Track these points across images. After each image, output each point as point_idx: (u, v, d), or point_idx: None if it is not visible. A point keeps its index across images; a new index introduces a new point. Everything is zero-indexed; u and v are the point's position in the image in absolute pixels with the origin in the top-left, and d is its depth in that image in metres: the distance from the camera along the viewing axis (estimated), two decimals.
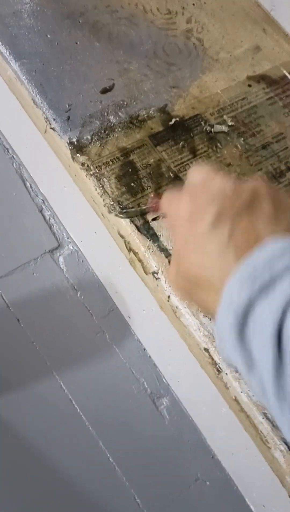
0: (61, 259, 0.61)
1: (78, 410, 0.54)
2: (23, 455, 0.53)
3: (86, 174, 0.44)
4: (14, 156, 0.64)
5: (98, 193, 0.43)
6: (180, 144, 0.46)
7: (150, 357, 0.58)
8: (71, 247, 0.62)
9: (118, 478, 0.53)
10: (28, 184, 0.63)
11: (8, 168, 0.64)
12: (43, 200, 0.63)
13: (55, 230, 0.62)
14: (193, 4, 0.54)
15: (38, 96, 0.45)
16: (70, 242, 0.62)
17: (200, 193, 0.29)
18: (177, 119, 0.47)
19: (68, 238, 0.62)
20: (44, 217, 0.63)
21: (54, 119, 0.45)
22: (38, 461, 0.53)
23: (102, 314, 0.60)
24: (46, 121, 0.45)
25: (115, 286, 0.57)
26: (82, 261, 0.62)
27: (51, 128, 0.45)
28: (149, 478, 0.54)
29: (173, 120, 0.47)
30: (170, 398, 0.57)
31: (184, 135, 0.47)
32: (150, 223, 0.42)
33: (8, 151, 0.64)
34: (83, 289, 0.60)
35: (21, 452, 0.53)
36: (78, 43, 0.49)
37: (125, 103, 0.47)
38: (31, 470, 0.52)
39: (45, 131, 0.46)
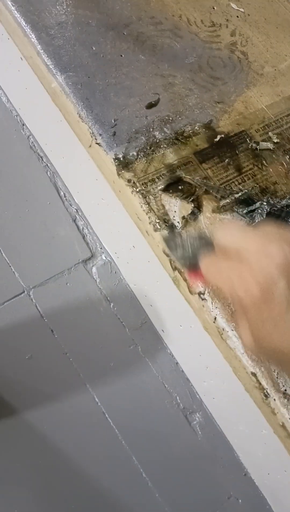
0: (94, 269, 0.61)
1: (111, 424, 0.54)
2: (56, 466, 0.53)
3: (132, 191, 0.43)
4: (49, 165, 0.64)
5: (143, 210, 0.43)
6: (225, 161, 0.46)
7: (182, 371, 0.58)
8: (104, 258, 0.62)
9: (152, 494, 0.53)
10: (62, 193, 0.63)
11: (43, 177, 0.63)
12: (76, 210, 0.63)
13: (89, 240, 0.62)
14: (237, 17, 0.54)
15: (84, 110, 0.45)
16: (103, 252, 0.62)
17: (258, 262, 0.27)
18: (223, 135, 0.47)
19: (101, 248, 0.62)
20: (78, 227, 0.62)
21: (100, 135, 0.44)
22: (71, 473, 0.53)
23: (135, 326, 0.59)
24: (92, 136, 0.45)
25: (150, 299, 0.57)
26: (115, 272, 0.61)
27: (96, 143, 0.44)
28: (182, 495, 0.53)
29: (218, 137, 0.47)
30: (203, 414, 0.56)
31: (229, 152, 0.46)
32: None
33: (42, 159, 0.64)
34: (116, 301, 0.60)
35: (54, 464, 0.53)
36: (123, 55, 0.48)
37: (171, 118, 0.46)
38: (64, 481, 0.52)
39: (90, 146, 0.46)
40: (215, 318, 0.40)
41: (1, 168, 0.63)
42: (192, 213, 0.41)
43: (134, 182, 0.43)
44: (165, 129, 0.46)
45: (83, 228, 0.62)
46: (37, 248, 0.60)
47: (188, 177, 0.44)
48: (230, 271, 0.28)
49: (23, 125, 0.65)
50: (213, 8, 0.54)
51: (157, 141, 0.45)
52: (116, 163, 0.44)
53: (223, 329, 0.40)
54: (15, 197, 0.62)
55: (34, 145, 0.65)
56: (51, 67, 0.46)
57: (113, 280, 0.61)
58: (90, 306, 0.59)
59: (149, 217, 0.43)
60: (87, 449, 0.53)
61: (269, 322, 0.27)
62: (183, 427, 0.56)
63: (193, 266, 0.32)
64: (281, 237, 0.27)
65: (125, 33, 0.50)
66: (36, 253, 0.60)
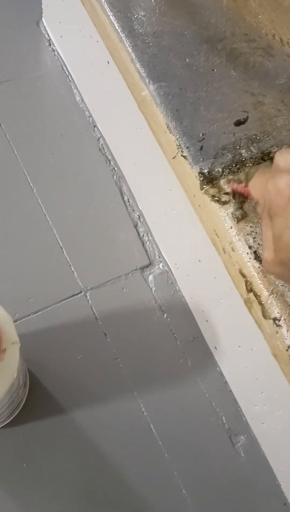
0: (151, 277, 0.61)
1: (156, 435, 0.54)
2: (96, 468, 0.52)
3: (215, 207, 0.43)
4: (116, 169, 0.64)
5: (225, 227, 0.42)
6: None
7: (230, 391, 0.57)
8: (162, 267, 0.62)
9: None
10: (126, 198, 0.63)
11: (108, 180, 0.64)
12: (139, 216, 0.63)
13: (148, 247, 0.62)
14: None
15: (173, 121, 0.45)
16: (161, 261, 0.62)
17: None
18: None
19: (159, 257, 0.62)
20: (138, 233, 0.62)
21: (187, 147, 0.44)
22: (109, 477, 0.52)
23: (187, 339, 0.59)
24: (178, 148, 0.44)
25: (207, 315, 0.56)
26: (171, 283, 0.61)
27: (182, 155, 0.44)
28: None
29: None
30: (248, 437, 0.55)
31: None
32: None
33: (110, 162, 0.64)
34: (170, 312, 0.60)
35: (94, 465, 0.52)
36: (215, 70, 0.48)
37: (258, 137, 0.46)
38: (102, 483, 0.52)
39: (174, 157, 0.45)
40: (289, 347, 0.39)
41: (68, 167, 0.63)
42: None
43: (218, 198, 0.43)
44: (251, 148, 0.45)
45: (143, 235, 0.63)
46: (97, 250, 0.60)
47: None
48: (270, 178, 0.33)
49: (94, 126, 0.66)
50: None
51: (243, 159, 0.45)
52: (200, 178, 0.44)
53: None
54: (80, 198, 0.62)
55: (103, 148, 0.65)
56: (144, 75, 0.47)
57: (169, 290, 0.61)
58: (143, 314, 0.59)
59: (230, 235, 0.42)
60: (129, 456, 0.53)
61: None
62: (227, 447, 0.55)
63: None
64: None
65: (218, 48, 0.49)
66: (96, 255, 0.60)
